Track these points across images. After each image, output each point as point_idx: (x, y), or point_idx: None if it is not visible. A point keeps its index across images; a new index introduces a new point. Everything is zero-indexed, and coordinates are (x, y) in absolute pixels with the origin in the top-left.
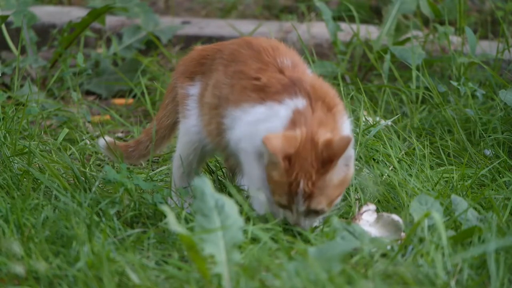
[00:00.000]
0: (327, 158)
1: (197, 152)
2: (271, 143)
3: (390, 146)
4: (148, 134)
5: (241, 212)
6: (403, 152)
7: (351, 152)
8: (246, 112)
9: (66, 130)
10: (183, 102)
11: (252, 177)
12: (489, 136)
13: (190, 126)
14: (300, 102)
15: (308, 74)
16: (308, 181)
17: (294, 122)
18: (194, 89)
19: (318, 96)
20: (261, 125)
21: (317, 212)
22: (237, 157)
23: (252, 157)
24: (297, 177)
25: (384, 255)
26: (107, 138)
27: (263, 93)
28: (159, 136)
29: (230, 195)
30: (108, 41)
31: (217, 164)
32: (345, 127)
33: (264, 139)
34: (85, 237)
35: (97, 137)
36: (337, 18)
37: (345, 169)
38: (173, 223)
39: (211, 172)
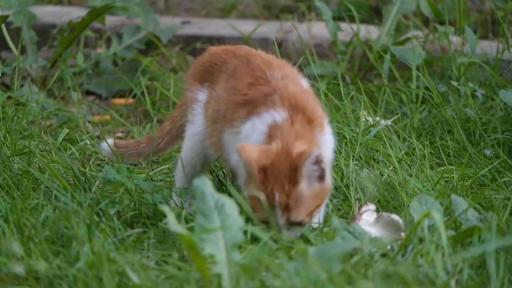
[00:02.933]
0: (295, 170)
1: (200, 157)
2: (246, 152)
3: (390, 146)
4: (162, 132)
5: (241, 212)
6: (403, 152)
7: (322, 165)
8: (238, 134)
9: (66, 130)
10: (190, 105)
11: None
12: (489, 136)
13: (194, 133)
14: (278, 115)
15: (297, 83)
16: (282, 193)
17: (271, 136)
18: (202, 95)
19: (298, 108)
20: (247, 141)
21: (297, 224)
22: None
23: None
24: (272, 190)
25: (384, 255)
26: (110, 140)
27: (250, 106)
28: (172, 135)
29: (230, 195)
30: (108, 41)
31: (217, 164)
32: (324, 140)
33: (239, 148)
34: (85, 237)
35: (97, 137)
36: (337, 18)
37: (317, 181)
38: (173, 223)
39: (211, 172)
